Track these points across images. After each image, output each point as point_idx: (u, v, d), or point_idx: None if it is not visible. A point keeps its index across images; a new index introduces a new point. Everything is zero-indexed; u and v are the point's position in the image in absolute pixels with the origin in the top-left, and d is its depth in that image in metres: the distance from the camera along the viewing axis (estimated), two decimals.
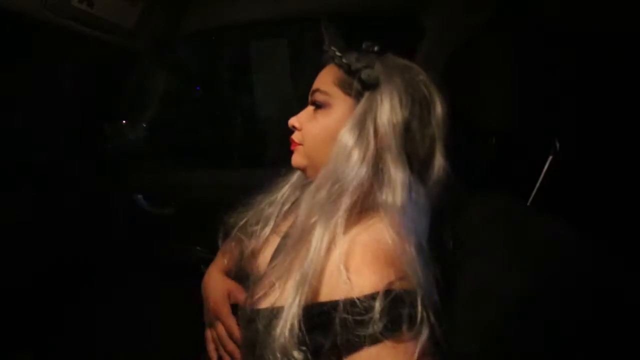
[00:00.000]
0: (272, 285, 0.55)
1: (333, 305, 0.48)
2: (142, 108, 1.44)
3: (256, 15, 0.97)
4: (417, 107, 0.57)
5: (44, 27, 0.75)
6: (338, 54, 0.61)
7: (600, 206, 0.77)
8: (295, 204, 0.73)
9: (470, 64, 0.79)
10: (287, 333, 0.48)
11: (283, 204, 0.73)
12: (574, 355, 0.48)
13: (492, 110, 0.72)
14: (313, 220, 0.53)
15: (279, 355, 0.48)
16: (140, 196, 1.22)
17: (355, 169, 0.54)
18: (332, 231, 0.52)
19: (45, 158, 1.12)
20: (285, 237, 0.66)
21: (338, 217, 0.52)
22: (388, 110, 0.56)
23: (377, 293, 0.45)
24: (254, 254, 0.71)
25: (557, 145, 0.68)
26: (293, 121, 0.65)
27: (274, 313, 0.51)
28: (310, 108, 0.64)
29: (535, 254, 0.54)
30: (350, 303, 0.46)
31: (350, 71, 0.59)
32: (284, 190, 0.73)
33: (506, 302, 0.51)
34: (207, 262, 0.79)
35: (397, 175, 0.54)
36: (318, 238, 0.52)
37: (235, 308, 0.69)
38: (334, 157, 0.56)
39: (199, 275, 0.82)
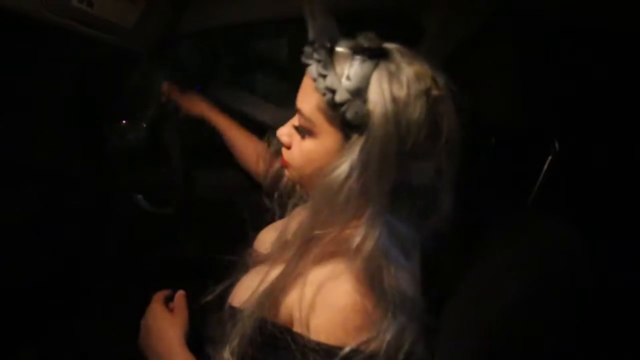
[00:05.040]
0: (247, 287, 0.55)
1: (287, 331, 0.49)
2: (142, 108, 1.43)
3: (256, 15, 0.97)
4: (419, 140, 0.47)
5: (44, 27, 0.75)
6: (321, 72, 0.48)
7: (600, 206, 0.77)
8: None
9: (470, 64, 0.79)
10: (237, 339, 0.49)
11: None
12: (574, 355, 0.48)
13: (492, 110, 0.71)
14: (294, 242, 0.52)
15: (228, 355, 0.50)
16: (140, 196, 1.22)
17: (342, 209, 0.49)
18: (305, 261, 0.51)
19: (45, 158, 1.12)
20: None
21: (315, 250, 0.51)
22: (380, 156, 0.46)
23: (333, 349, 0.45)
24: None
25: (557, 145, 0.68)
26: (283, 136, 0.57)
27: (237, 313, 0.53)
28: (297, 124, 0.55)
29: (535, 254, 0.54)
30: (306, 341, 0.46)
31: (333, 104, 0.48)
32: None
33: (506, 302, 0.51)
34: (207, 262, 0.79)
35: (375, 218, 0.48)
36: (292, 263, 0.51)
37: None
38: (322, 191, 0.50)
39: (199, 275, 0.82)
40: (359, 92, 0.46)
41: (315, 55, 0.50)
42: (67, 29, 0.77)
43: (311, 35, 0.51)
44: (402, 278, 0.49)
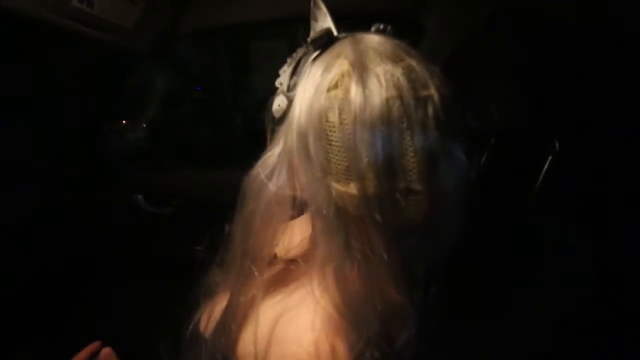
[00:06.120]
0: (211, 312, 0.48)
1: None
2: (142, 108, 1.44)
3: (256, 15, 0.97)
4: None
5: (44, 27, 0.75)
6: (280, 71, 0.45)
7: (600, 206, 0.77)
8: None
9: (470, 64, 0.79)
10: None
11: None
12: (574, 353, 0.48)
13: (491, 110, 0.71)
14: (235, 262, 0.45)
15: None
16: (140, 196, 1.22)
17: (272, 213, 0.41)
18: (251, 285, 0.43)
19: (45, 158, 1.12)
20: None
21: (263, 272, 0.43)
22: (306, 167, 0.36)
23: None
24: None
25: (557, 145, 0.68)
26: None
27: (200, 342, 0.47)
28: None
29: (535, 254, 0.54)
30: None
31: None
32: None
33: (507, 302, 0.51)
34: (208, 262, 0.79)
35: (329, 241, 0.37)
36: (236, 288, 0.44)
37: None
38: (248, 188, 0.44)
39: (199, 275, 0.82)
40: (295, 87, 0.40)
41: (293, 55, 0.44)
42: (67, 29, 0.77)
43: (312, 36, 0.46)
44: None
